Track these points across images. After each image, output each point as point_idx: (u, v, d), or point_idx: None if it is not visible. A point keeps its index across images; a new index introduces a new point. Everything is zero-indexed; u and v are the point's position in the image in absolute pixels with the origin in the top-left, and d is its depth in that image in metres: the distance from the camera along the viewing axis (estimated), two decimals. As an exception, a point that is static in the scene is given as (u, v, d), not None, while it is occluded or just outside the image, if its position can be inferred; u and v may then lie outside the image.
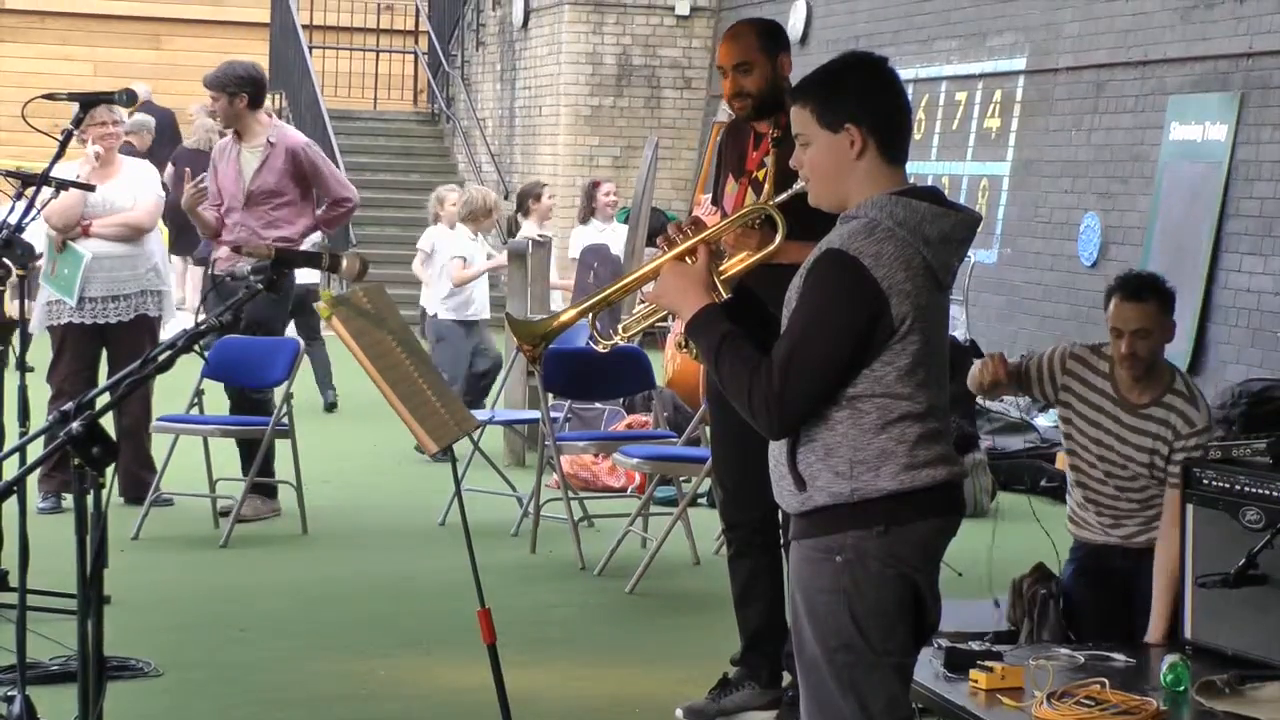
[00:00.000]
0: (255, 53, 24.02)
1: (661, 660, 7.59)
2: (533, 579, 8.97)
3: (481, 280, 12.91)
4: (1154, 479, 6.14)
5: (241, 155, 10.20)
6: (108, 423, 4.03)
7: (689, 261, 4.41)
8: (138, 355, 9.64)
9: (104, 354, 10.19)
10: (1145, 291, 6.14)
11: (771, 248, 4.78)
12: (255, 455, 9.84)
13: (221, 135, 11.95)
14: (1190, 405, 6.16)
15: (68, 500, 9.77)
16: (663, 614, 8.43)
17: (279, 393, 9.86)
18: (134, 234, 10.08)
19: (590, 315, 4.72)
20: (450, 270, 12.75)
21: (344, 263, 4.63)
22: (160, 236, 10.64)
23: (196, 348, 4.25)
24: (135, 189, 10.09)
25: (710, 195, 7.06)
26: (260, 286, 4.40)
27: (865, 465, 4.14)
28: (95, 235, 9.96)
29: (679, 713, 6.77)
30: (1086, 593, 6.26)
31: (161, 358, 4.12)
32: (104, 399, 4.20)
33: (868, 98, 4.24)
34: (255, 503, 10.01)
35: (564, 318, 4.81)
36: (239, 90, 10.16)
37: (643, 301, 4.65)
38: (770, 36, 6.70)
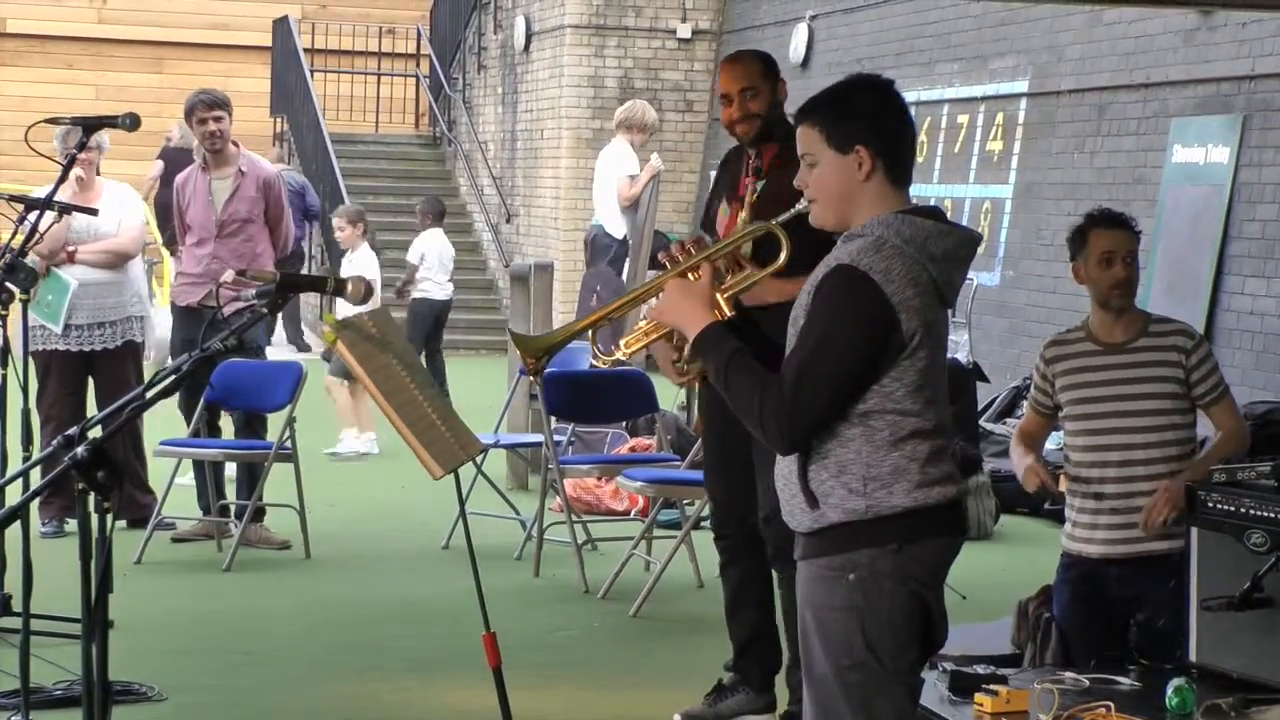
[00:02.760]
0: (257, 76, 24.14)
1: (665, 683, 7.58)
2: (536, 602, 8.96)
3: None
4: (1175, 413, 6.06)
5: (211, 185, 10.12)
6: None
7: (692, 279, 4.42)
8: (124, 381, 9.77)
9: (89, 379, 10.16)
10: (1125, 220, 6.18)
11: (773, 266, 4.80)
12: (256, 478, 9.83)
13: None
14: (1178, 324, 6.21)
15: (70, 525, 9.77)
16: (666, 637, 8.42)
17: (279, 417, 9.84)
18: (119, 260, 10.04)
19: (591, 332, 4.73)
20: None
21: (349, 286, 4.63)
22: (140, 261, 10.58)
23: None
24: (119, 213, 9.98)
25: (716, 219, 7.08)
26: (265, 310, 4.39)
27: (879, 482, 4.15)
28: (81, 262, 9.90)
29: (677, 717, 6.94)
30: (1081, 622, 6.20)
31: (166, 382, 4.11)
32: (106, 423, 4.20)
33: (877, 120, 4.27)
34: (259, 530, 9.99)
35: (566, 332, 4.82)
36: (231, 113, 10.19)
37: (644, 319, 4.65)
38: (768, 65, 6.90)
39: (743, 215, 6.56)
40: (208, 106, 10.16)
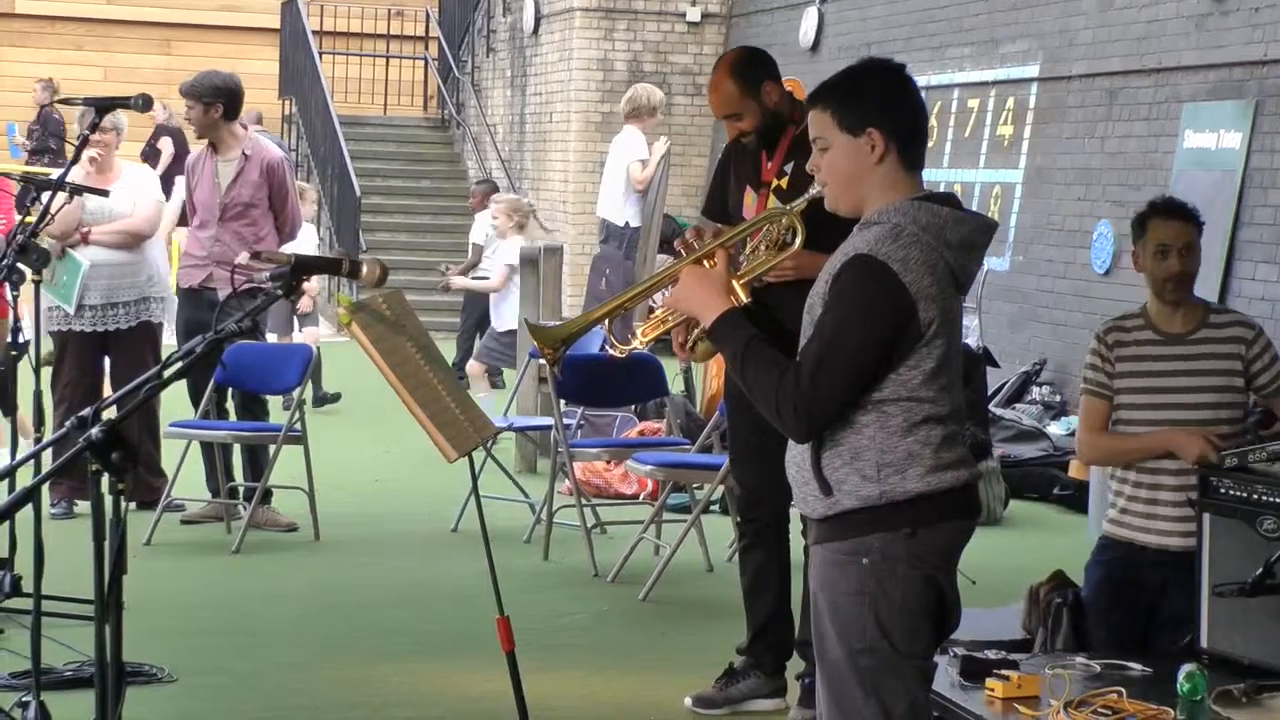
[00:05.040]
0: (265, 58, 24.14)
1: (674, 667, 7.57)
2: (545, 586, 8.96)
3: None
4: (1232, 406, 6.02)
5: (217, 167, 10.10)
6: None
7: (708, 266, 4.41)
8: (140, 362, 9.77)
9: (106, 360, 10.18)
10: (1186, 210, 6.11)
11: (789, 252, 4.80)
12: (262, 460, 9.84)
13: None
14: (1237, 314, 6.21)
15: (80, 506, 9.78)
16: (676, 621, 8.42)
17: (280, 400, 9.84)
18: (133, 241, 10.04)
19: (606, 320, 4.72)
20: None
21: (364, 268, 4.62)
22: (161, 243, 10.57)
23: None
24: (134, 195, 10.00)
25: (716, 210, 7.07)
26: (279, 293, 4.38)
27: (892, 468, 4.15)
28: (94, 243, 9.92)
29: (688, 700, 6.98)
30: (1108, 604, 6.19)
31: (180, 364, 4.10)
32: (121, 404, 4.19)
33: (889, 103, 4.25)
34: (267, 512, 9.98)
35: (583, 322, 4.81)
36: (214, 100, 10.02)
37: (655, 306, 4.64)
38: (743, 75, 6.77)
39: (771, 201, 6.56)
40: (182, 95, 10.18)
